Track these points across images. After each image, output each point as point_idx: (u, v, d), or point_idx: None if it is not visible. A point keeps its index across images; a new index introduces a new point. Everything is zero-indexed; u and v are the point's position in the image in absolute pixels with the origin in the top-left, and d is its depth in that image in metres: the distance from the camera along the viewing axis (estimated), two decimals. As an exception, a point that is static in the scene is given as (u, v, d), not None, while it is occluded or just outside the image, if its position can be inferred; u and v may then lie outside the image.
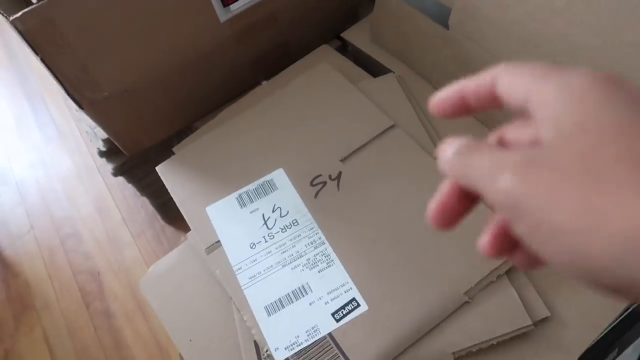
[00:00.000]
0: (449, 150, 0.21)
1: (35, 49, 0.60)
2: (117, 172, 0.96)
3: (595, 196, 0.15)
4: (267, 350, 0.49)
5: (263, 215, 0.58)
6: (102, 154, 0.94)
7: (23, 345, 1.07)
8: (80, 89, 0.66)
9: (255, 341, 0.51)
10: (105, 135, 0.87)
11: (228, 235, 0.57)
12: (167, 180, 0.64)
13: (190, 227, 0.60)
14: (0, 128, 1.49)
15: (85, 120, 0.94)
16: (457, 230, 0.53)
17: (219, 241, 0.57)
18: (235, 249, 0.56)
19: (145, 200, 1.20)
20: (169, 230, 1.14)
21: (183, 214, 0.61)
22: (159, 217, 1.15)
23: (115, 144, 0.82)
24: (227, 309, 0.55)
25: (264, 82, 0.78)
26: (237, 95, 0.79)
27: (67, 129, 1.43)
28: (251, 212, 0.58)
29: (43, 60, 0.61)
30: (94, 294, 1.10)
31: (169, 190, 0.63)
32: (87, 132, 0.95)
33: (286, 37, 0.81)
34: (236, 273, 0.54)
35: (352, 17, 0.85)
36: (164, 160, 1.01)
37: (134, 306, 1.06)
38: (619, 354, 0.57)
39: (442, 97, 0.22)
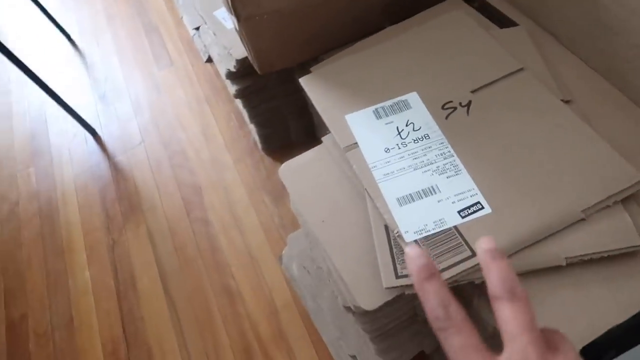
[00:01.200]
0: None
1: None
2: (238, 94, 1.05)
3: None
4: (397, 232, 0.55)
5: (397, 127, 0.64)
6: (229, 74, 1.02)
7: (129, 238, 1.18)
8: (244, 2, 0.74)
9: (385, 225, 0.57)
10: (240, 56, 0.96)
11: (365, 139, 0.63)
12: (310, 90, 0.71)
13: (331, 130, 0.66)
14: (120, 54, 1.62)
15: (221, 43, 1.02)
16: (579, 160, 0.58)
17: (356, 143, 0.63)
18: (371, 151, 0.62)
19: (247, 132, 1.29)
20: (268, 160, 1.22)
21: (324, 119, 0.67)
22: (259, 147, 1.23)
23: (251, 62, 0.89)
24: (358, 200, 0.62)
25: (389, 28, 0.84)
26: (361, 37, 0.85)
27: (180, 61, 1.54)
28: (386, 124, 0.65)
29: (222, -30, 0.69)
30: (195, 204, 1.20)
31: (312, 99, 0.70)
32: (219, 54, 1.04)
33: (419, -14, 0.86)
34: (371, 170, 0.61)
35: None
36: (281, 91, 1.10)
37: (231, 220, 1.15)
38: None
39: None
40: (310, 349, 0.94)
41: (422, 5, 0.85)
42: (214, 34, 1.03)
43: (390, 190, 0.59)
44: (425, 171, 0.59)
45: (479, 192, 0.57)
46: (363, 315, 0.62)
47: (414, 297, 0.63)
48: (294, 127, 1.19)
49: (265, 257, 1.08)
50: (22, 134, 1.51)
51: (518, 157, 0.59)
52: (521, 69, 0.66)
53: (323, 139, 0.70)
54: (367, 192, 0.60)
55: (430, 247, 0.53)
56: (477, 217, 0.55)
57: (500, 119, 0.62)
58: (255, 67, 0.90)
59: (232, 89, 1.05)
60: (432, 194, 0.57)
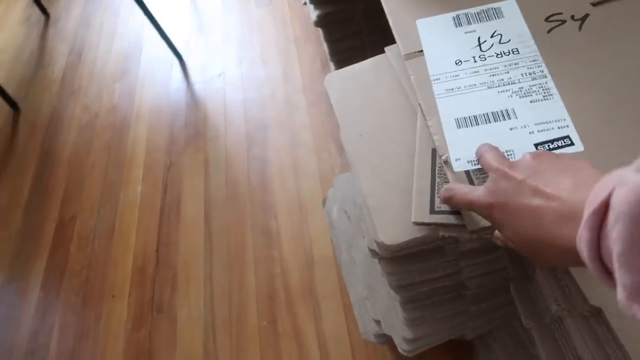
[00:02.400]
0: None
1: None
2: (319, 22, 0.95)
3: None
4: (445, 157, 0.42)
5: (479, 38, 0.50)
6: (312, -4, 0.92)
7: (186, 163, 1.14)
8: None
9: (433, 149, 0.44)
10: (323, -28, 0.85)
11: (433, 48, 0.50)
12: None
13: (394, 35, 0.54)
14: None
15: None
16: None
17: (421, 51, 0.50)
18: (437, 61, 0.49)
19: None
20: (342, 106, 1.11)
21: (390, 22, 0.55)
22: (336, 92, 1.13)
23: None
24: (408, 118, 0.49)
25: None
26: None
27: (278, 1, 1.47)
28: (466, 33, 0.51)
29: None
30: (257, 141, 1.12)
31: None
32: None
33: None
34: (432, 82, 0.47)
35: None
36: (367, 27, 0.98)
37: (290, 163, 1.06)
38: None
39: None
40: (338, 311, 0.82)
41: None
42: (304, -50, 0.93)
43: (450, 108, 0.45)
44: (503, 91, 0.45)
45: (571, 124, 0.41)
46: (390, 263, 0.49)
47: (460, 255, 0.49)
48: (377, 75, 1.06)
49: (315, 206, 0.97)
50: (118, 53, 1.53)
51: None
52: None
53: (386, 48, 0.57)
54: (420, 106, 0.47)
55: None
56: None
57: (625, 38, 0.45)
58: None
59: (313, 14, 0.94)
60: (504, 119, 0.43)
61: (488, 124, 0.44)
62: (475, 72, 0.47)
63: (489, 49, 0.49)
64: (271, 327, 0.84)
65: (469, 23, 0.51)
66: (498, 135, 0.42)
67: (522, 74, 0.46)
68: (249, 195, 1.03)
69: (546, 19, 0.49)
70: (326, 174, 1.02)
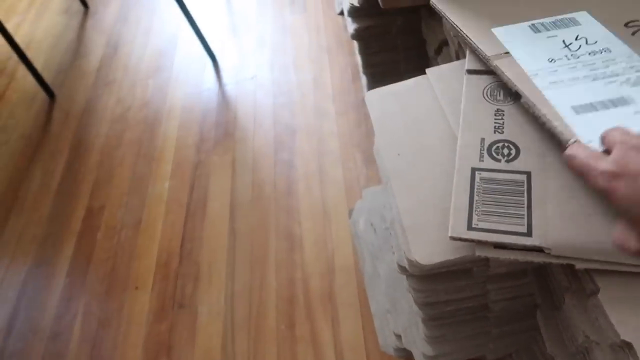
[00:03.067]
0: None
1: None
2: (356, 35, 0.95)
3: None
4: (575, 140, 0.39)
5: (564, 40, 0.47)
6: (352, 11, 0.93)
7: (213, 162, 1.14)
8: None
9: (473, 168, 0.44)
10: (366, -12, 0.86)
11: (520, 49, 0.47)
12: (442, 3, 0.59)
13: (473, 41, 0.49)
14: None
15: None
16: None
17: (507, 53, 0.50)
18: (529, 60, 0.46)
19: (359, 88, 1.20)
20: (372, 117, 1.12)
21: (464, 32, 0.51)
22: (366, 103, 1.14)
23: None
24: (446, 140, 0.49)
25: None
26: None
27: (313, 10, 1.47)
28: (548, 37, 0.48)
29: None
30: (285, 145, 1.13)
31: (446, 13, 0.58)
32: (347, -14, 0.95)
33: None
34: (531, 77, 0.45)
35: None
36: (403, 42, 0.98)
37: (315, 170, 1.06)
38: None
39: None
40: (356, 320, 0.82)
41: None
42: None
43: (561, 98, 0.42)
44: (610, 82, 0.43)
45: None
46: (418, 281, 0.50)
47: (488, 278, 0.50)
48: (408, 89, 1.07)
49: (339, 214, 0.97)
50: (153, 49, 1.55)
51: None
52: None
53: (427, 70, 0.58)
54: (527, 99, 0.45)
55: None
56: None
57: None
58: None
59: (351, 27, 0.95)
60: (625, 105, 0.42)
61: (608, 109, 0.41)
62: (573, 67, 0.45)
63: (578, 49, 0.47)
64: (289, 331, 0.84)
65: (547, 30, 0.50)
66: (624, 120, 0.40)
67: (623, 68, 0.43)
68: (274, 199, 1.04)
69: (625, 25, 0.49)
70: (351, 184, 1.02)
